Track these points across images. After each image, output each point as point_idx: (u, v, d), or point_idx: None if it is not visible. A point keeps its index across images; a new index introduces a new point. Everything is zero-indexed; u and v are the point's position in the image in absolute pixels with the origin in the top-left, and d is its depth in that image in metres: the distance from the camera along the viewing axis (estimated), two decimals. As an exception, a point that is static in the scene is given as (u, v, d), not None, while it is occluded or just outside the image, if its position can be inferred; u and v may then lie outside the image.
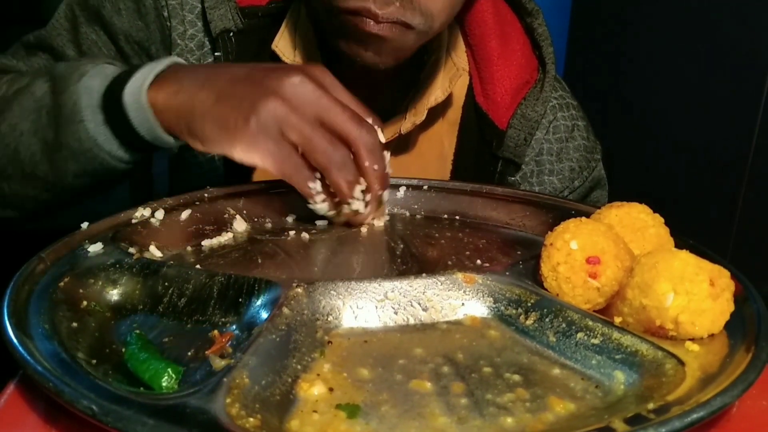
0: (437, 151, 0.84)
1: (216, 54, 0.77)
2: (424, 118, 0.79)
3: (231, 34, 0.76)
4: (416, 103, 0.80)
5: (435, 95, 0.79)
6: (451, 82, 0.80)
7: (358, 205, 0.62)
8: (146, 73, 0.62)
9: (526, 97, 0.81)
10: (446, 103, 0.82)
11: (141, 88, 0.61)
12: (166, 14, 0.78)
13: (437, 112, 0.82)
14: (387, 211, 0.68)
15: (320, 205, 0.62)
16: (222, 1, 0.76)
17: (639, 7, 1.82)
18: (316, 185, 0.61)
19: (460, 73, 0.82)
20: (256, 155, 0.58)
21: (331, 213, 0.64)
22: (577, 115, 0.86)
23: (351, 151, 0.60)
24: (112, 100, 0.62)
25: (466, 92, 0.84)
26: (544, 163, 0.84)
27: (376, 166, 0.60)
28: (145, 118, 0.61)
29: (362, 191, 0.62)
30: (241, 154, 0.58)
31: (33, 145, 0.64)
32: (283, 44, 0.78)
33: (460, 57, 0.83)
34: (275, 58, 0.79)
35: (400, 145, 0.83)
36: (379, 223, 0.66)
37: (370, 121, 0.61)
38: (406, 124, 0.79)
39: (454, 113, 0.84)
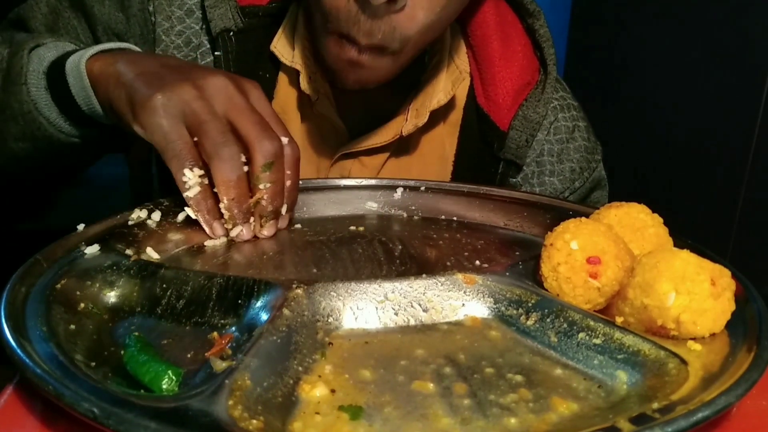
0: (438, 152, 0.84)
1: (216, 53, 0.76)
2: (426, 120, 0.79)
3: (231, 33, 0.75)
4: (418, 105, 0.79)
5: (437, 98, 0.79)
6: (453, 85, 0.80)
7: (237, 215, 0.58)
8: (94, 47, 0.64)
9: (528, 98, 0.81)
10: (448, 104, 0.81)
11: (83, 55, 0.63)
12: (151, 9, 0.77)
13: (439, 115, 0.82)
14: (274, 231, 0.62)
15: (193, 203, 0.58)
16: None
17: (639, 8, 1.82)
18: (190, 177, 0.56)
19: (464, 76, 0.82)
20: (148, 129, 0.56)
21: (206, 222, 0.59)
22: (577, 116, 0.86)
23: (248, 157, 0.57)
24: (56, 68, 0.64)
25: (467, 93, 0.83)
26: (544, 164, 0.84)
27: (270, 178, 0.57)
28: (82, 86, 0.62)
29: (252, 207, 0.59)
30: (137, 126, 0.57)
31: None
32: (281, 45, 0.77)
33: (461, 59, 0.83)
34: (274, 59, 0.78)
35: (401, 147, 0.83)
36: (266, 233, 0.61)
37: (286, 138, 0.59)
38: (408, 126, 0.79)
39: (455, 114, 0.83)
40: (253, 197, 0.58)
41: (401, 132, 0.79)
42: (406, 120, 0.79)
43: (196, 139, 0.56)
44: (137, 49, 0.68)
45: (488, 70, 0.82)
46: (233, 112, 0.57)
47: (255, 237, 0.61)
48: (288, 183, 0.60)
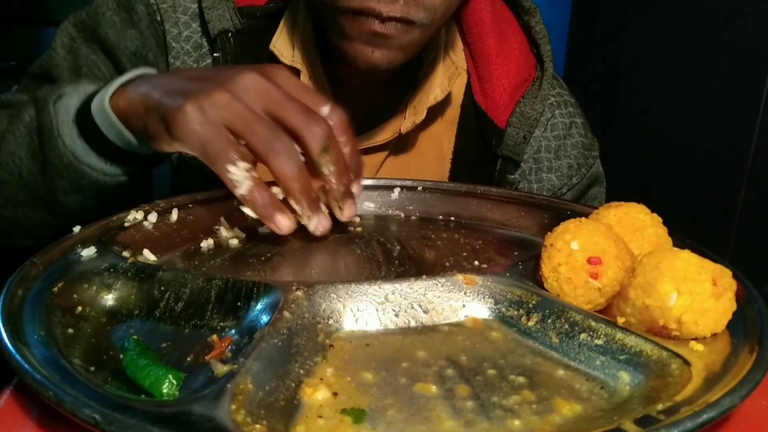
0: (436, 150, 0.84)
1: (215, 54, 0.76)
2: (424, 117, 0.79)
3: (229, 34, 0.75)
4: (415, 102, 0.79)
5: (434, 94, 0.79)
6: (450, 80, 0.80)
7: (308, 206, 0.57)
8: (113, 83, 0.62)
9: (525, 95, 0.82)
10: (445, 102, 0.82)
11: (105, 95, 0.61)
12: (159, 18, 0.77)
13: (436, 111, 0.82)
14: (355, 209, 0.62)
15: (247, 199, 0.56)
16: (220, 1, 0.75)
17: (639, 7, 1.82)
18: (236, 172, 0.54)
19: (459, 71, 0.82)
20: (186, 140, 0.55)
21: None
22: (574, 113, 0.86)
23: (302, 147, 0.56)
24: (83, 114, 0.63)
25: (464, 91, 0.84)
26: (542, 160, 0.84)
27: (332, 160, 0.57)
28: (110, 123, 0.61)
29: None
30: (176, 143, 0.56)
31: (33, 167, 0.66)
32: (281, 44, 0.77)
33: (458, 56, 0.83)
34: (273, 58, 0.78)
35: (399, 145, 0.83)
36: (348, 215, 0.61)
37: (327, 108, 0.58)
38: (406, 124, 0.79)
39: (453, 112, 0.84)
40: (318, 185, 0.57)
41: (400, 130, 0.79)
42: (405, 118, 0.79)
43: (244, 142, 0.55)
44: (154, 71, 0.66)
45: (485, 68, 0.82)
46: (272, 106, 0.55)
47: (336, 221, 0.60)
48: (347, 150, 0.58)
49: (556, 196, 0.84)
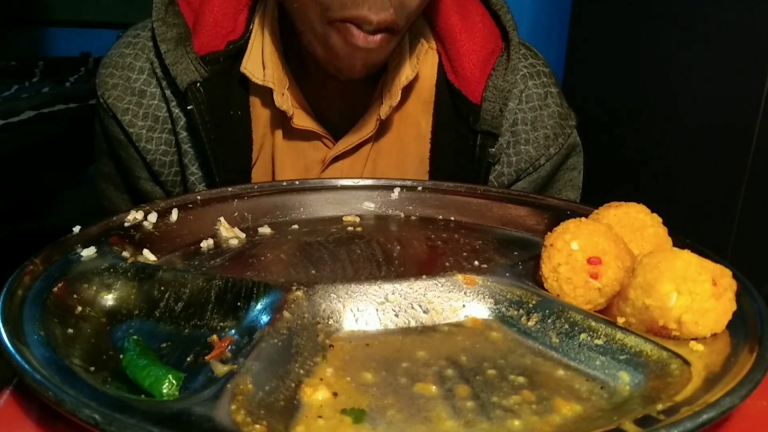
0: (414, 131, 0.85)
1: (188, 107, 0.77)
2: (399, 98, 0.79)
3: (198, 84, 0.76)
4: (389, 86, 0.80)
5: (405, 74, 0.80)
6: (418, 58, 0.81)
7: None
8: None
9: (495, 67, 0.82)
10: (419, 83, 0.83)
11: None
12: (123, 138, 0.81)
13: (411, 93, 0.83)
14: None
15: None
16: (182, 55, 0.76)
17: (639, 7, 1.82)
18: None
19: (426, 48, 0.83)
20: None
21: None
22: (548, 83, 0.86)
23: None
24: None
25: (437, 72, 0.84)
26: (519, 133, 0.84)
27: None
28: None
29: None
30: None
31: None
32: (251, 66, 0.78)
33: (426, 36, 0.84)
34: (243, 96, 0.80)
35: (380, 132, 0.84)
36: None
37: None
38: (384, 109, 0.79)
39: (428, 93, 0.84)
40: None
41: (379, 116, 0.79)
42: (382, 103, 0.80)
43: None
44: None
45: (452, 47, 0.82)
46: None
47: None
48: None
49: (534, 167, 0.84)
